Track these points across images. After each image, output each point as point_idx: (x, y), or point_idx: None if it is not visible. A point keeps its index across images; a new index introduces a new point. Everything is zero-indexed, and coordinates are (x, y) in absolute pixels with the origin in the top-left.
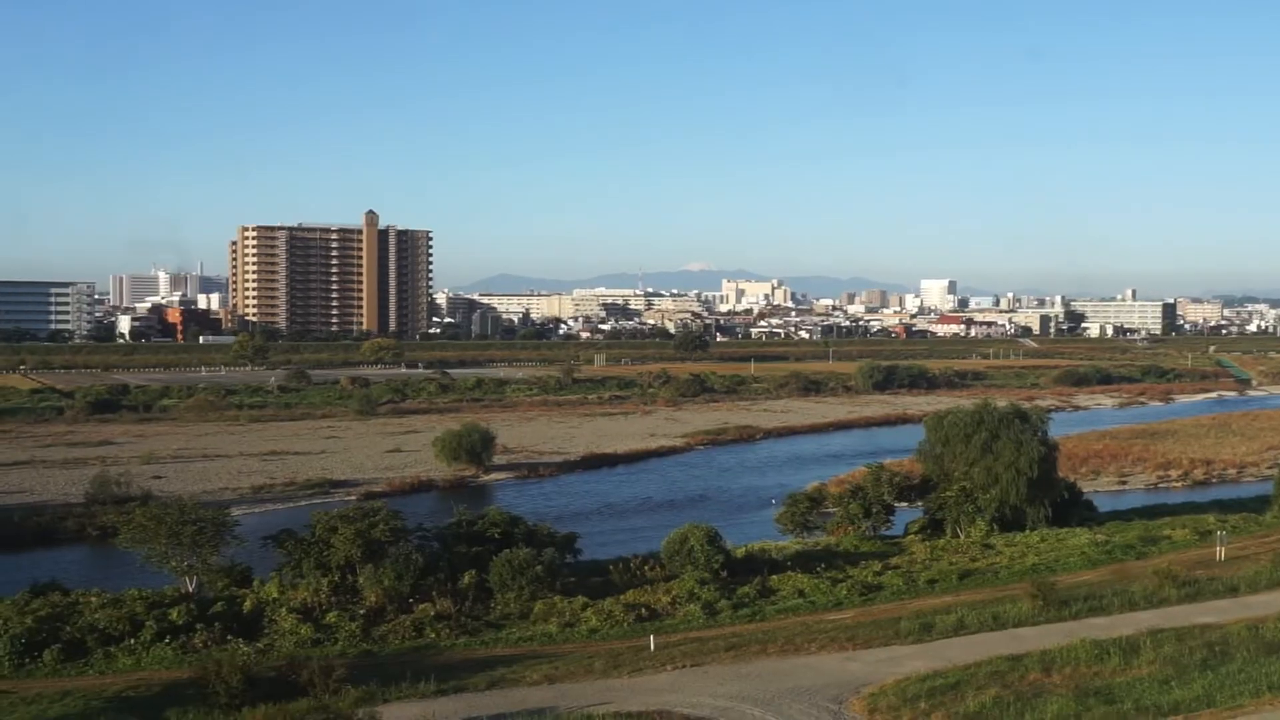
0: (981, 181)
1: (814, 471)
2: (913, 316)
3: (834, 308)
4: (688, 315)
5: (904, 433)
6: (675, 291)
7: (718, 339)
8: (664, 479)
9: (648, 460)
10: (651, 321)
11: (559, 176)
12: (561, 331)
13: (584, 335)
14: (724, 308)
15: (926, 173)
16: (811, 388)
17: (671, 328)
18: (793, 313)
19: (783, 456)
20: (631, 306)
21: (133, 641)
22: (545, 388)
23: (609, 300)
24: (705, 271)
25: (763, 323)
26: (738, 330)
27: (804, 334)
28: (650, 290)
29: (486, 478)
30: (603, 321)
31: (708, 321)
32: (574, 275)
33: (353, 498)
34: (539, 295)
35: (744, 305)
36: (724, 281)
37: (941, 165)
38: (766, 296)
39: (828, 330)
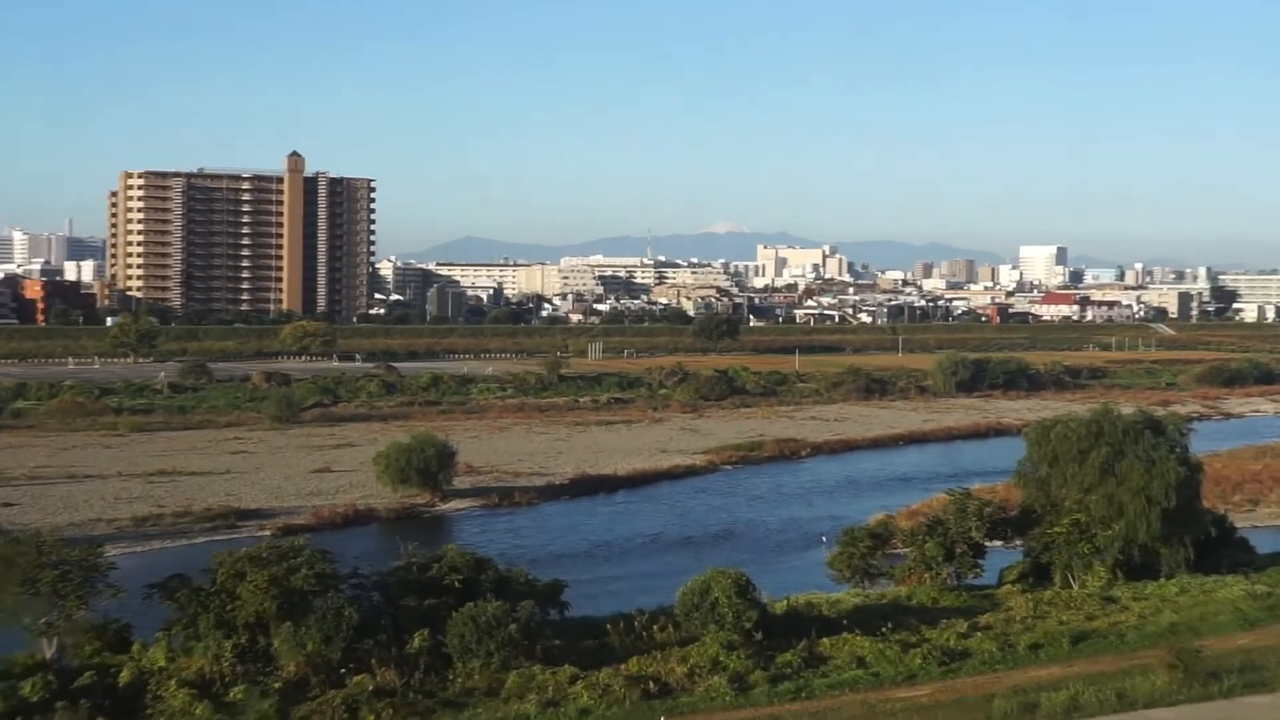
0: (1099, 112)
1: (877, 500)
2: (1009, 294)
3: (904, 283)
4: (711, 292)
5: (997, 448)
6: (695, 261)
7: (750, 323)
8: (679, 509)
9: (657, 484)
10: (663, 301)
11: (542, 112)
12: (545, 313)
13: (574, 318)
14: (759, 282)
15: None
16: (875, 388)
17: (690, 308)
18: (850, 289)
19: (836, 479)
20: (637, 280)
21: None
22: (523, 388)
23: (608, 272)
24: (734, 235)
25: (810, 302)
26: (777, 312)
27: (864, 317)
28: (662, 259)
29: (444, 506)
30: (599, 300)
31: (738, 300)
32: (561, 239)
33: (267, 533)
34: (515, 265)
35: (786, 279)
36: (759, 248)
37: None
38: (816, 268)
39: (896, 312)
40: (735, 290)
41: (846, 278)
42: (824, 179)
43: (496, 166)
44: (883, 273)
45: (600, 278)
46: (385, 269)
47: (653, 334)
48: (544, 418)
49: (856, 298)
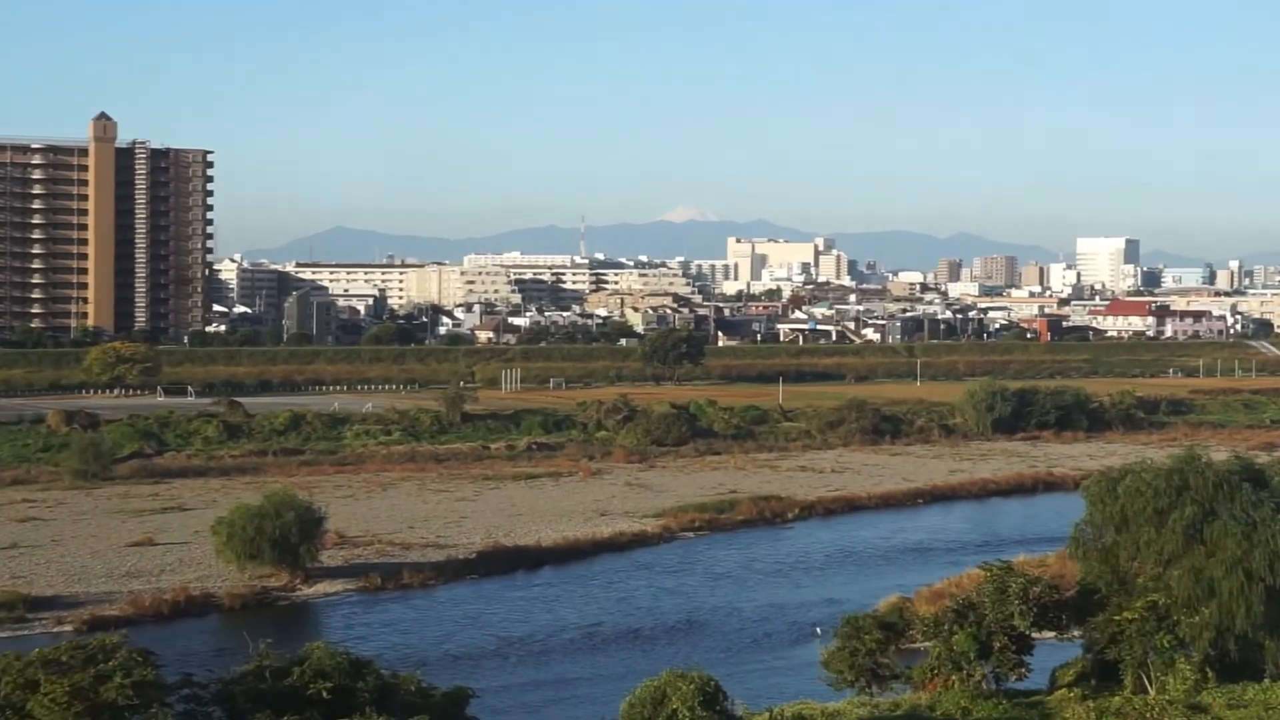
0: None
1: (888, 578)
2: (1063, 303)
3: (924, 287)
4: (666, 301)
5: (1047, 507)
6: (645, 260)
7: (719, 342)
8: (622, 592)
9: (595, 558)
10: (602, 313)
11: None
12: (444, 330)
13: (483, 336)
14: (730, 287)
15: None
16: (885, 429)
17: (638, 323)
18: (852, 296)
19: (832, 550)
20: (567, 286)
21: None
22: (415, 430)
23: (527, 274)
24: (697, 224)
25: (799, 314)
26: (755, 327)
27: (871, 334)
28: (601, 258)
29: (308, 590)
30: (516, 312)
31: (701, 312)
32: (465, 231)
33: (68, 628)
34: (403, 266)
35: (766, 283)
36: (730, 242)
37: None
38: (806, 268)
39: (913, 327)
40: (698, 298)
41: (847, 281)
42: (815, 150)
43: (375, 135)
44: (895, 274)
45: (518, 282)
46: (228, 272)
47: (589, 357)
48: (443, 470)
49: (860, 308)
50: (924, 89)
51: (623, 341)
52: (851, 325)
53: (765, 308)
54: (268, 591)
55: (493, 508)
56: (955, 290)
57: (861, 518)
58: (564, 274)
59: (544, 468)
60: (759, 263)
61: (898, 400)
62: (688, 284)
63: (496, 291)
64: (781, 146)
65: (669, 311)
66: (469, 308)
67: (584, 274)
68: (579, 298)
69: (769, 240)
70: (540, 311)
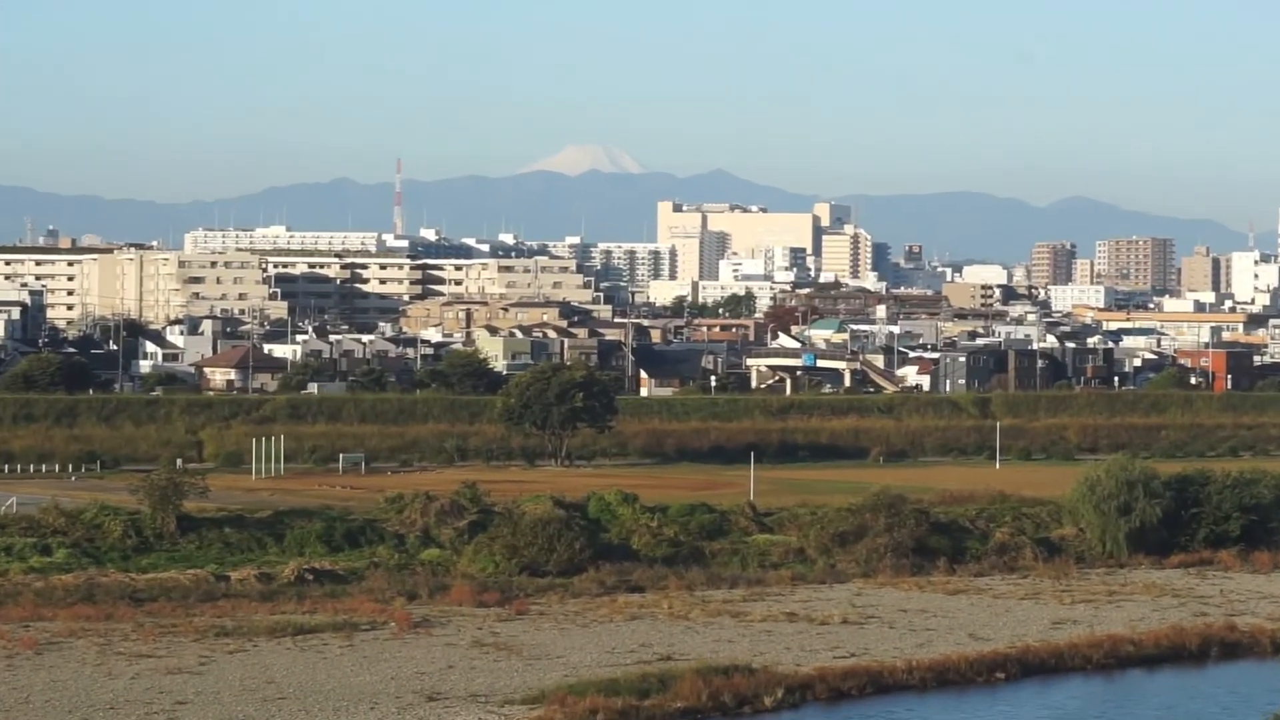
0: None
1: None
2: (1256, 321)
3: (1011, 292)
4: (547, 317)
5: (1227, 685)
6: (510, 242)
7: (644, 390)
8: None
9: None
10: (433, 335)
11: None
12: (148, 364)
13: (219, 378)
14: (663, 288)
15: None
16: (938, 546)
17: (497, 353)
18: (880, 308)
19: None
20: (372, 286)
21: None
22: (96, 547)
23: (299, 265)
24: (603, 177)
25: (787, 340)
26: (707, 362)
27: (915, 375)
28: (432, 237)
29: None
30: (277, 334)
31: (609, 336)
32: (188, 189)
33: None
34: (76, 251)
35: (729, 283)
36: (663, 210)
37: None
38: (799, 257)
39: (989, 364)
40: (605, 311)
41: (871, 280)
42: (814, 47)
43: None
44: (956, 270)
45: (281, 279)
46: None
47: (408, 417)
48: (145, 619)
49: (896, 329)
50: None
51: (472, 388)
52: (879, 360)
53: (727, 329)
54: None
55: (234, 688)
56: (1064, 298)
57: (896, 705)
58: (365, 266)
59: (327, 614)
60: (715, 247)
61: (961, 495)
62: (587, 285)
63: (243, 296)
64: (754, 42)
65: (552, 336)
66: (193, 325)
67: (401, 266)
68: (393, 308)
69: (732, 208)
70: (323, 333)
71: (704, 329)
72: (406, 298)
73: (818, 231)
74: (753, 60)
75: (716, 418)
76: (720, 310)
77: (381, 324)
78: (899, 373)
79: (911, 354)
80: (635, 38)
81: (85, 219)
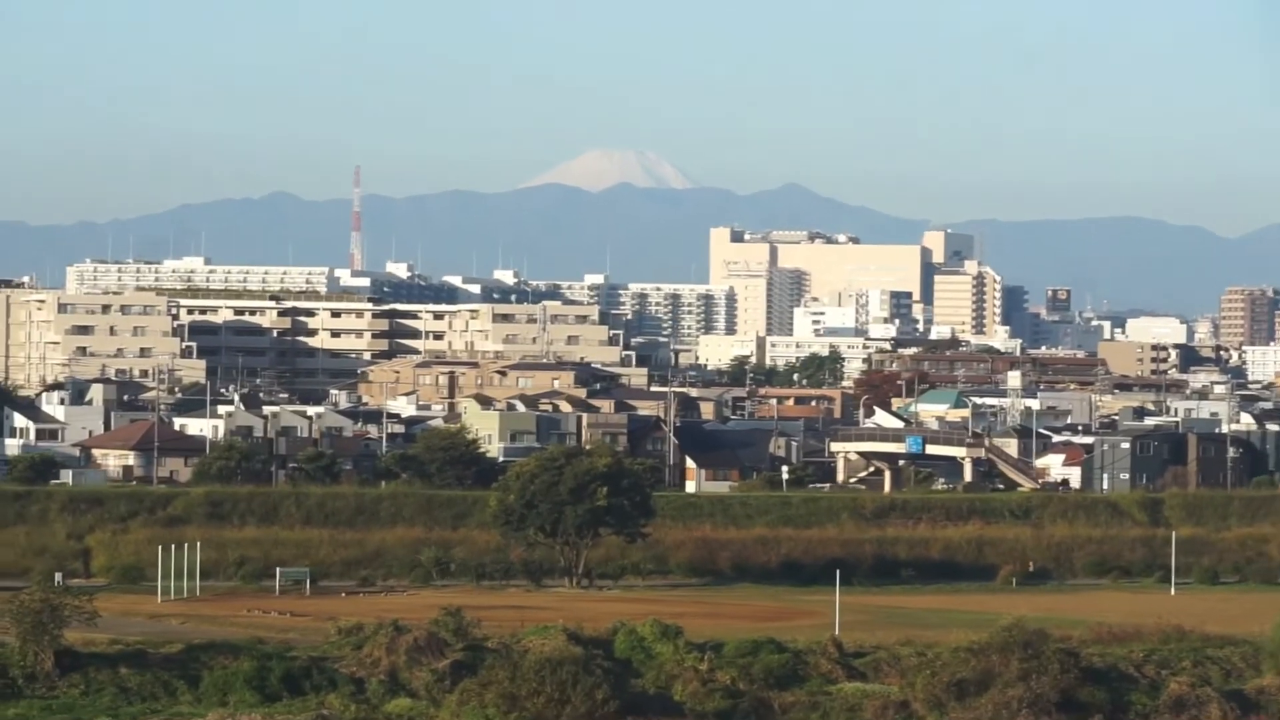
0: None
1: None
2: None
3: (1193, 354)
4: (559, 383)
5: None
6: (509, 281)
7: (691, 484)
8: None
9: None
10: (403, 407)
11: None
12: (16, 443)
13: (114, 463)
14: (716, 345)
15: None
16: (1092, 702)
17: (492, 433)
18: (1012, 374)
19: None
20: (318, 342)
21: None
22: None
23: (223, 310)
24: (634, 192)
25: (885, 418)
26: (776, 447)
27: (1060, 466)
28: (404, 275)
29: None
30: (192, 403)
31: (643, 410)
32: (72, 207)
33: None
34: None
35: (806, 338)
36: (716, 237)
37: None
38: (901, 304)
39: (1163, 453)
40: (638, 375)
41: (1000, 336)
42: (923, 33)
43: None
44: (1117, 325)
45: (195, 329)
46: None
47: (370, 516)
48: None
49: (1034, 403)
50: None
51: (456, 480)
52: (1012, 447)
53: (804, 402)
54: None
55: None
56: (1265, 362)
57: None
58: (312, 313)
59: None
60: (788, 290)
61: (1123, 631)
62: (613, 341)
63: (146, 352)
64: (839, 13)
65: (565, 409)
66: (79, 392)
67: (361, 314)
68: (349, 370)
69: (812, 237)
70: (254, 403)
71: (773, 402)
72: (368, 355)
73: (928, 270)
74: (836, 38)
75: (789, 523)
76: (795, 376)
77: (334, 391)
78: (1038, 463)
79: (1056, 438)
80: (678, 8)
81: None
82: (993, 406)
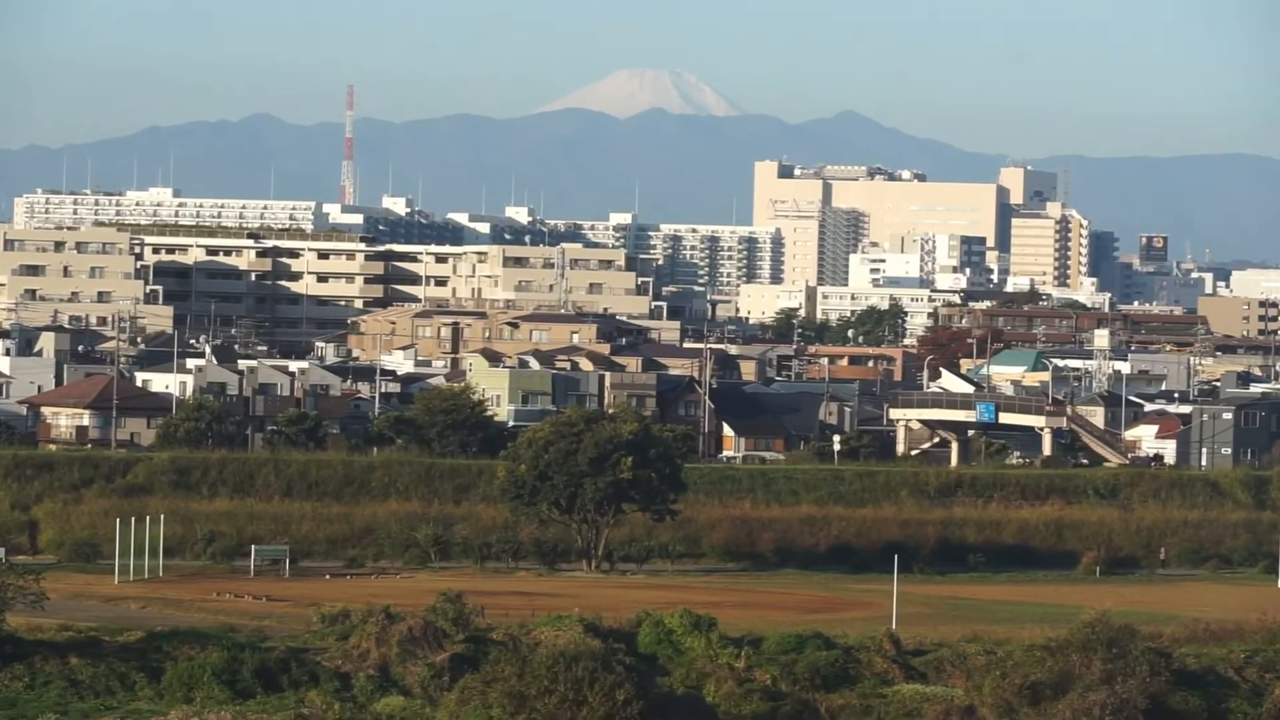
0: None
1: None
2: None
3: None
4: (580, 336)
5: None
6: (521, 220)
7: (728, 451)
8: None
9: None
10: (400, 362)
11: None
12: None
13: (65, 423)
14: (758, 295)
15: None
16: (1186, 710)
17: (501, 393)
18: (1100, 333)
19: None
20: (303, 286)
21: None
22: None
23: (193, 249)
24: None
25: (953, 380)
26: (827, 413)
27: (1152, 439)
28: (401, 210)
29: None
30: (157, 355)
31: (675, 370)
32: (19, 129)
33: None
34: None
35: (864, 288)
36: (761, 171)
37: None
38: (972, 251)
39: (1266, 420)
40: (670, 329)
41: (1086, 289)
42: None
43: None
44: (1220, 279)
45: (161, 270)
46: None
47: (361, 487)
48: None
49: (1125, 366)
50: None
51: (460, 446)
52: (1098, 416)
53: (859, 362)
54: None
55: None
56: None
57: None
58: (296, 253)
59: None
60: (844, 233)
61: (1223, 629)
62: (642, 290)
63: (106, 297)
64: None
65: (586, 368)
66: (27, 341)
67: (353, 255)
68: (338, 319)
69: (872, 173)
70: (228, 356)
71: (824, 361)
72: (359, 303)
73: (1005, 212)
74: None
75: (840, 501)
76: (850, 333)
77: (320, 343)
78: (1127, 436)
79: (1149, 406)
80: None
81: None
82: (1076, 370)
